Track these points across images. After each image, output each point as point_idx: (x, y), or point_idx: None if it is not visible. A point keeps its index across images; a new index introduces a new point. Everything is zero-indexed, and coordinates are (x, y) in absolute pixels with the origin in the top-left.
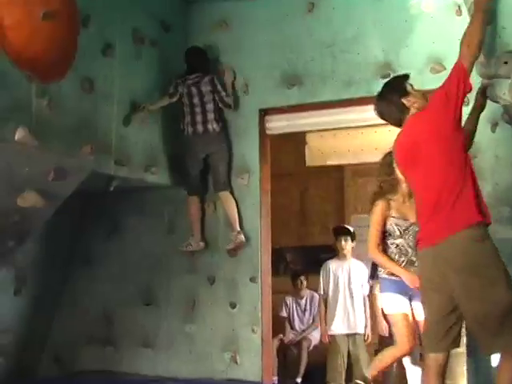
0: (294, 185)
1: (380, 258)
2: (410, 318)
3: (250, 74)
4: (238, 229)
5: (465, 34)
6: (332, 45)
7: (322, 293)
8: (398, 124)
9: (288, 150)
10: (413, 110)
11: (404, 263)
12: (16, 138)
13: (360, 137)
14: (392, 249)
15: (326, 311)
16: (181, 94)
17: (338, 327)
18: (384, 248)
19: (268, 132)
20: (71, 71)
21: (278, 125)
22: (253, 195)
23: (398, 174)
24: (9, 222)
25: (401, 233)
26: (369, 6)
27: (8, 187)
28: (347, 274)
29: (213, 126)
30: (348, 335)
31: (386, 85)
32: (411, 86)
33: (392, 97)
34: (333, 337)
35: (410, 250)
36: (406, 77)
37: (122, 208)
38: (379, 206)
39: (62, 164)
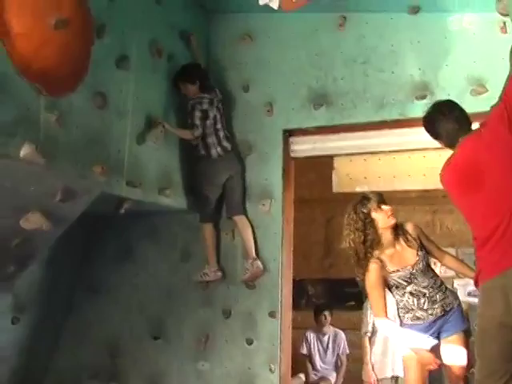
0: (319, 212)
1: (390, 325)
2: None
3: (274, 92)
4: (254, 255)
5: None
6: (364, 62)
7: (367, 331)
8: (453, 144)
9: (313, 175)
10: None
11: (425, 304)
12: (22, 154)
13: (392, 162)
14: (406, 297)
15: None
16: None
17: (384, 370)
18: (397, 300)
19: (292, 155)
20: (83, 84)
21: (304, 147)
22: (274, 223)
23: (379, 224)
24: (10, 245)
25: (408, 281)
26: (405, 21)
27: (11, 208)
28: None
29: (230, 145)
30: (392, 378)
31: (441, 103)
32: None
33: (454, 111)
34: (380, 381)
35: (425, 291)
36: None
37: (132, 233)
38: (373, 269)
39: (71, 184)
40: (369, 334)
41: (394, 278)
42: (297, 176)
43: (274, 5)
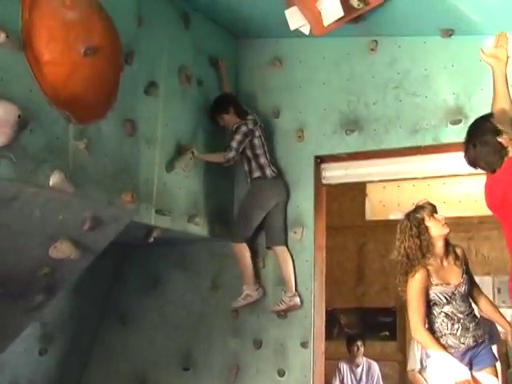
0: (352, 240)
1: (429, 342)
2: None
3: (305, 118)
4: (294, 291)
5: None
6: (397, 87)
7: (415, 368)
8: (493, 169)
9: (346, 202)
10: (511, 150)
11: (459, 331)
12: (51, 183)
13: (427, 189)
14: (441, 318)
15: None
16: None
17: None
18: (430, 320)
19: (324, 182)
20: (112, 111)
21: (336, 174)
22: (306, 251)
23: (432, 232)
24: (38, 274)
25: (447, 299)
26: (438, 45)
27: (40, 236)
28: None
29: (274, 170)
30: None
31: (473, 127)
32: (500, 123)
33: (486, 137)
34: None
35: (461, 316)
36: (490, 115)
37: (161, 261)
38: (418, 275)
39: (100, 212)
40: (416, 371)
41: (436, 292)
42: (328, 203)
43: (305, 30)
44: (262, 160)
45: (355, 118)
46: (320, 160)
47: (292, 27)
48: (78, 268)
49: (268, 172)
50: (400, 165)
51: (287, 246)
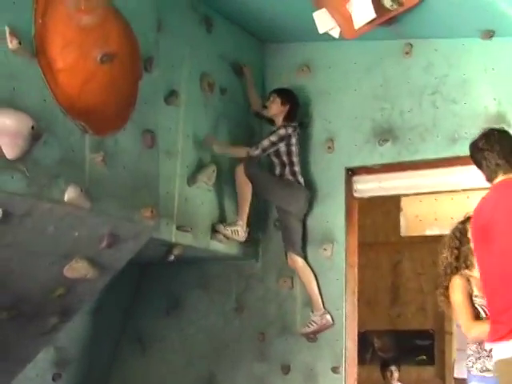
0: (385, 257)
1: (481, 328)
2: None
3: (336, 127)
4: (323, 308)
5: None
6: (433, 93)
7: None
8: (490, 180)
9: (379, 217)
10: None
11: None
12: (66, 198)
13: (466, 202)
14: None
15: None
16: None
17: None
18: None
19: (356, 195)
20: (130, 122)
21: (368, 187)
22: (337, 269)
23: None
24: (53, 296)
25: (486, 314)
26: (477, 47)
27: (54, 255)
28: None
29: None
30: None
31: (503, 135)
32: None
33: (504, 144)
34: None
35: None
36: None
37: (183, 281)
38: (458, 284)
39: (118, 229)
40: None
41: (477, 304)
42: (361, 218)
43: (335, 33)
44: (297, 168)
45: (389, 126)
46: (351, 172)
47: (321, 30)
48: (94, 288)
49: (301, 180)
50: (437, 177)
51: (306, 260)
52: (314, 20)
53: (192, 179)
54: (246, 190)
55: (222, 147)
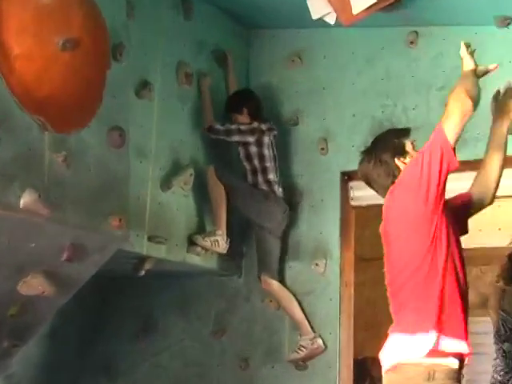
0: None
1: None
2: None
3: (330, 126)
4: (312, 332)
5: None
6: (442, 88)
7: None
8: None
9: (379, 228)
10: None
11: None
12: (22, 204)
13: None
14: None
15: None
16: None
17: None
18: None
19: (353, 203)
20: (96, 118)
21: (367, 194)
22: (330, 288)
23: None
24: (5, 315)
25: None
26: (493, 36)
27: (6, 269)
28: None
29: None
30: None
31: (376, 139)
32: (413, 144)
33: (382, 155)
34: None
35: None
36: (405, 131)
37: (155, 299)
38: None
39: (81, 240)
40: None
41: (501, 318)
42: (358, 229)
43: (331, 19)
44: (271, 176)
45: (391, 125)
46: (348, 177)
47: (314, 16)
48: (53, 307)
49: (277, 189)
50: (447, 182)
51: (284, 283)
52: (306, 4)
53: (166, 183)
54: (219, 193)
55: (205, 95)
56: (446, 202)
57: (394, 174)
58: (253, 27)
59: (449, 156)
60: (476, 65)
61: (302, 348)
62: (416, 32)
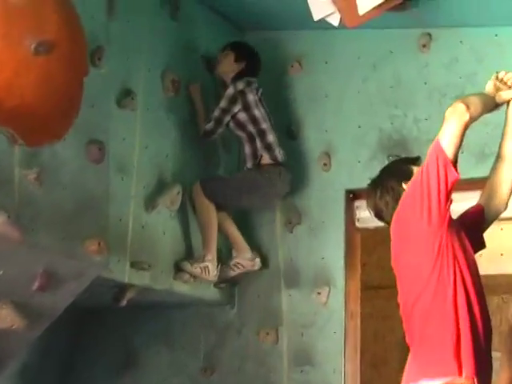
0: (395, 304)
1: None
2: None
3: (334, 139)
4: (250, 250)
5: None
6: (457, 96)
7: None
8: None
9: (387, 252)
10: None
11: None
12: None
13: (498, 235)
14: None
15: None
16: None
17: None
18: None
19: (358, 225)
20: (72, 130)
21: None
22: (334, 320)
23: None
24: None
25: None
26: None
27: None
28: None
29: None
30: None
31: (382, 169)
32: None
33: (388, 182)
34: None
35: None
36: (415, 159)
37: (138, 332)
38: None
39: (55, 266)
40: None
41: None
42: (364, 254)
43: (334, 20)
44: (271, 137)
45: (401, 138)
46: (353, 196)
47: (316, 17)
48: (24, 342)
49: (278, 155)
50: (462, 202)
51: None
52: (307, 3)
53: (151, 203)
54: (208, 213)
55: (197, 102)
56: (456, 218)
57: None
58: (247, 29)
59: (446, 169)
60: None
61: (239, 266)
62: (429, 34)
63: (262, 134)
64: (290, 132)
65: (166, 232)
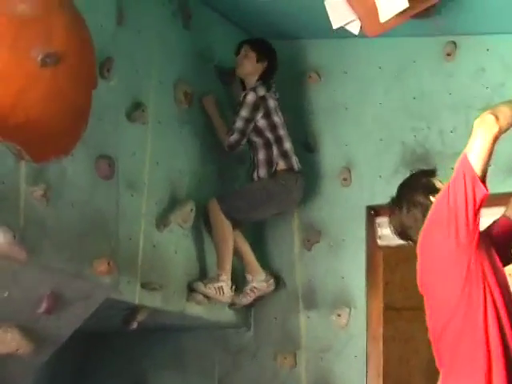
0: (421, 326)
1: None
2: None
3: (354, 153)
4: (263, 271)
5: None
6: (484, 108)
7: None
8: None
9: (411, 272)
10: None
11: None
12: None
13: None
14: None
15: None
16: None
17: None
18: None
19: (380, 243)
20: (81, 145)
21: None
22: (355, 343)
23: None
24: None
25: None
26: None
27: None
28: None
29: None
30: None
31: (400, 185)
32: (440, 181)
33: (413, 197)
34: None
35: None
36: (431, 172)
37: (149, 356)
38: None
39: (62, 288)
40: None
41: None
42: (387, 273)
43: (354, 28)
44: (287, 145)
45: (425, 152)
46: (374, 212)
47: (335, 25)
48: (29, 368)
49: (295, 163)
50: (490, 218)
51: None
52: (325, 10)
53: (163, 221)
54: (224, 231)
55: (214, 114)
56: (483, 234)
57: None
58: (262, 38)
59: (474, 185)
60: None
61: (255, 290)
62: (453, 42)
63: (279, 140)
64: (307, 145)
65: (178, 251)
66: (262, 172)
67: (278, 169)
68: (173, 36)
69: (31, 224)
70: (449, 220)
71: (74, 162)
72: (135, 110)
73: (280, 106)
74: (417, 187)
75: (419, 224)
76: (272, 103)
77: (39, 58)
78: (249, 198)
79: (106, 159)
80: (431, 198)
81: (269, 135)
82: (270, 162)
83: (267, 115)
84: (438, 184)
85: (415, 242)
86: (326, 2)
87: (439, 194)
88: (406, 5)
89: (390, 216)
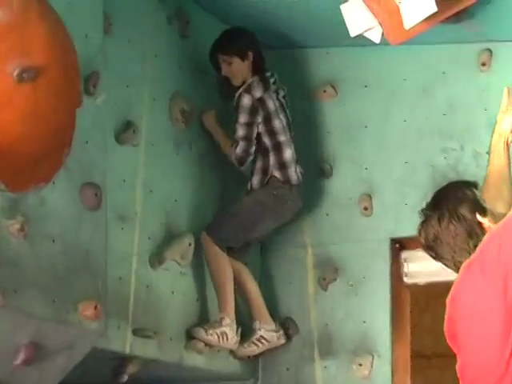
0: (453, 375)
1: None
2: None
3: (376, 178)
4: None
5: None
6: None
7: None
8: (454, 263)
9: (442, 314)
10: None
11: None
12: None
13: None
14: None
15: None
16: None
17: None
18: None
19: (407, 280)
20: (63, 171)
21: (426, 267)
22: None
23: None
24: None
25: None
26: None
27: None
28: None
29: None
30: None
31: (440, 191)
32: (484, 201)
33: (458, 208)
34: None
35: None
36: (473, 184)
37: None
38: None
39: (42, 336)
40: None
41: None
42: (415, 315)
43: (375, 35)
44: (287, 153)
45: (457, 176)
46: (400, 245)
47: (353, 32)
48: None
49: (293, 174)
50: None
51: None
52: (341, 16)
53: (157, 257)
54: (221, 266)
55: (216, 131)
56: None
57: (476, 234)
58: (268, 47)
59: None
60: None
61: (263, 340)
62: (489, 50)
63: (277, 148)
64: (322, 169)
65: (175, 292)
66: (256, 181)
67: (271, 179)
68: (168, 44)
69: (6, 262)
70: (496, 268)
71: (55, 191)
72: (125, 130)
73: (287, 104)
74: (462, 199)
75: (459, 241)
76: (272, 105)
77: (15, 73)
78: (240, 219)
79: (92, 187)
80: (478, 217)
81: (266, 141)
82: (265, 171)
83: (267, 119)
84: (483, 202)
85: (443, 263)
86: (341, 7)
87: (491, 233)
88: (435, 9)
89: (423, 223)
